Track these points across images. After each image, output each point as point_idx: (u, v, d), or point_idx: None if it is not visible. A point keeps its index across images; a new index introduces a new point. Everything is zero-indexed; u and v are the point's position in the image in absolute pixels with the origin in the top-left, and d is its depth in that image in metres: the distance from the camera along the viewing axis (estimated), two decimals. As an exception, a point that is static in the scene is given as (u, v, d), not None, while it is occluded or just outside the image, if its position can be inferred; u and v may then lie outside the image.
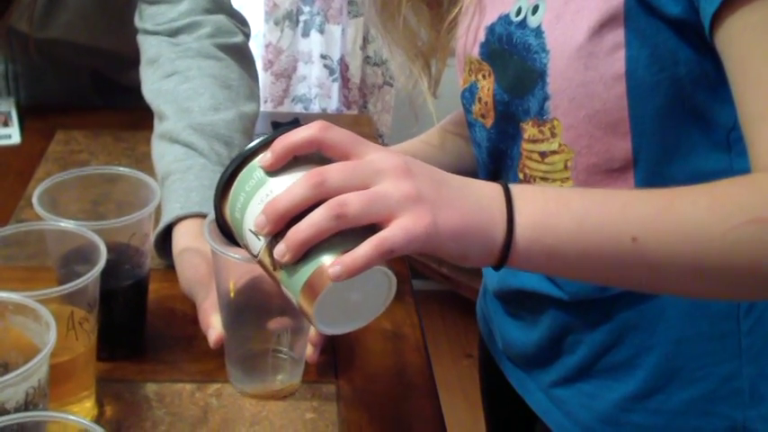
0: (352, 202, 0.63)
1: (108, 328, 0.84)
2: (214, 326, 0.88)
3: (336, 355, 0.94)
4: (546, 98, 0.81)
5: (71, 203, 0.90)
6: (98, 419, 0.83)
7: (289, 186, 0.65)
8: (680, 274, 0.69)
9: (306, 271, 0.64)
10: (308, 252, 0.64)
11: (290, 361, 0.89)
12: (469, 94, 0.91)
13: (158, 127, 1.11)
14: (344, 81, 2.49)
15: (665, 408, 0.89)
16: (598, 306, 0.89)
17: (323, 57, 2.44)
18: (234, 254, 0.79)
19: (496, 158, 0.91)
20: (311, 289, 0.64)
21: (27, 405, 0.66)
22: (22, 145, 1.30)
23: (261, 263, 0.69)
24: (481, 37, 0.87)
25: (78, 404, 0.80)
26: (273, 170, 0.67)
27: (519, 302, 0.96)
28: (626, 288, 0.82)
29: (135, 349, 0.92)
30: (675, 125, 0.80)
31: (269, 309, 0.87)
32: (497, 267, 0.69)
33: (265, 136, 0.69)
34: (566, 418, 0.94)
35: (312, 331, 0.89)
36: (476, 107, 0.90)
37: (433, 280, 2.67)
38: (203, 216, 0.97)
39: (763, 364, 0.88)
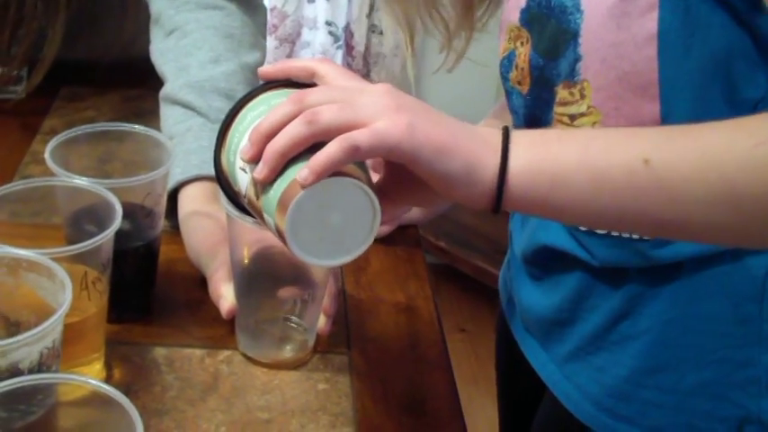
0: (327, 109, 0.63)
1: (117, 290, 0.81)
2: (225, 296, 0.86)
3: (348, 326, 0.92)
4: (577, 59, 0.80)
5: (77, 160, 0.87)
6: (107, 382, 0.81)
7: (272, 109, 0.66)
8: (705, 204, 0.63)
9: (279, 186, 0.64)
10: (283, 171, 0.64)
11: (301, 330, 0.87)
12: (508, 62, 0.89)
13: (162, 89, 1.08)
14: (348, 49, 2.46)
15: (677, 387, 0.87)
16: (624, 272, 0.87)
17: (328, 23, 2.41)
18: (249, 219, 0.77)
19: (532, 125, 0.89)
20: (284, 204, 0.63)
21: (41, 366, 0.64)
22: (25, 100, 1.27)
23: (248, 200, 0.69)
24: (522, 3, 0.85)
25: (88, 366, 0.78)
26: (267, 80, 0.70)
27: (545, 264, 0.94)
28: (645, 229, 0.72)
29: (143, 312, 0.90)
30: (705, 92, 0.78)
31: (281, 277, 0.85)
32: (493, 207, 0.65)
33: (263, 83, 0.71)
34: (576, 392, 0.93)
35: (325, 301, 0.87)
36: (513, 74, 0.88)
37: (431, 253, 2.65)
38: (204, 178, 0.95)
39: None
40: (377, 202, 0.65)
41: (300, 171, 0.62)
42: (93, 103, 1.27)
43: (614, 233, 0.84)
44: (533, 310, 0.97)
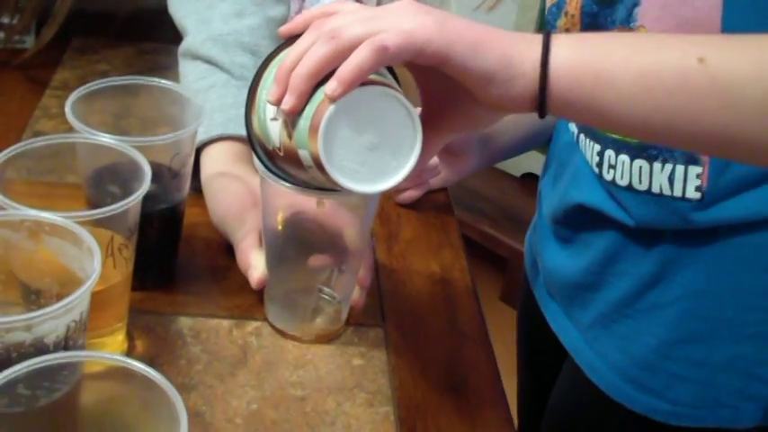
0: (350, 24, 0.60)
1: (140, 256, 0.76)
2: (255, 265, 0.80)
3: (382, 298, 0.87)
4: (636, 4, 0.74)
5: (92, 116, 0.81)
6: (129, 354, 0.76)
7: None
8: (762, 110, 0.58)
9: (309, 112, 0.60)
10: (312, 98, 0.60)
11: (335, 302, 0.82)
12: (556, 9, 0.83)
13: (182, 44, 1.02)
14: None
15: (706, 361, 0.84)
16: (655, 233, 0.83)
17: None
18: (285, 183, 0.72)
19: None
20: (315, 126, 0.59)
21: (67, 340, 0.59)
22: (35, 51, 1.21)
23: (282, 148, 0.65)
24: None
25: (111, 336, 0.73)
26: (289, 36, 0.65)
27: (575, 224, 0.90)
28: (696, 138, 0.62)
29: (166, 279, 0.85)
30: None
31: (315, 245, 0.80)
32: (536, 104, 0.60)
33: (287, 39, 0.66)
34: (599, 360, 0.89)
35: (361, 272, 0.82)
36: (561, 22, 0.82)
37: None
38: (229, 138, 0.90)
39: None
40: (415, 113, 0.61)
41: (328, 84, 0.58)
42: (106, 56, 1.21)
43: (655, 190, 0.80)
44: (558, 274, 0.93)
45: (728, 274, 0.81)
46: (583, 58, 0.60)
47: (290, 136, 0.63)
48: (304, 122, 0.61)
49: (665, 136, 0.61)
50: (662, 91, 0.59)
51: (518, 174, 2.64)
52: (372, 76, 0.61)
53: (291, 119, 0.62)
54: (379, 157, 0.61)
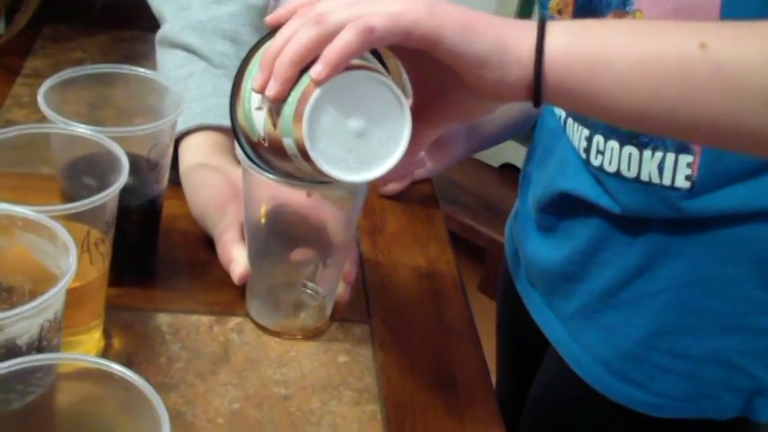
0: (336, 9, 0.57)
1: (117, 250, 0.73)
2: (237, 260, 0.78)
3: (367, 293, 0.85)
4: None
5: (66, 105, 0.78)
6: (105, 352, 0.73)
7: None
8: (766, 100, 0.56)
9: (294, 98, 0.58)
10: (297, 84, 0.58)
11: (319, 297, 0.79)
12: None
13: (159, 31, 0.99)
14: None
15: (690, 352, 0.83)
16: (641, 223, 0.81)
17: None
18: (269, 174, 0.69)
19: None
20: (299, 111, 0.57)
21: (41, 341, 0.56)
22: (7, 38, 1.17)
23: (267, 137, 0.62)
24: None
25: (87, 334, 0.71)
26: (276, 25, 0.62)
27: (560, 212, 0.88)
28: (697, 128, 0.59)
29: (145, 274, 0.82)
30: None
31: (299, 239, 0.78)
32: (531, 93, 0.58)
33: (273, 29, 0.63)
34: (582, 351, 0.89)
35: (346, 267, 0.79)
36: (553, 2, 0.80)
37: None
38: (208, 128, 0.87)
39: None
40: (404, 99, 0.59)
41: (314, 67, 0.56)
42: (80, 43, 1.17)
43: (644, 178, 0.78)
44: (540, 264, 0.92)
45: (714, 266, 0.80)
46: (580, 44, 0.57)
47: (274, 125, 0.61)
48: (289, 109, 0.58)
49: (666, 126, 0.59)
50: (662, 78, 0.56)
51: (496, 164, 2.62)
52: (360, 62, 0.59)
53: (276, 106, 0.60)
54: (367, 145, 0.59)
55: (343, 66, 0.56)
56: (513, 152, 2.48)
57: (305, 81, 0.58)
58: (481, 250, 2.47)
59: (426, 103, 0.63)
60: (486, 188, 2.58)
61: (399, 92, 0.58)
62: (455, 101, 0.61)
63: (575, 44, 0.57)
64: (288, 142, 0.59)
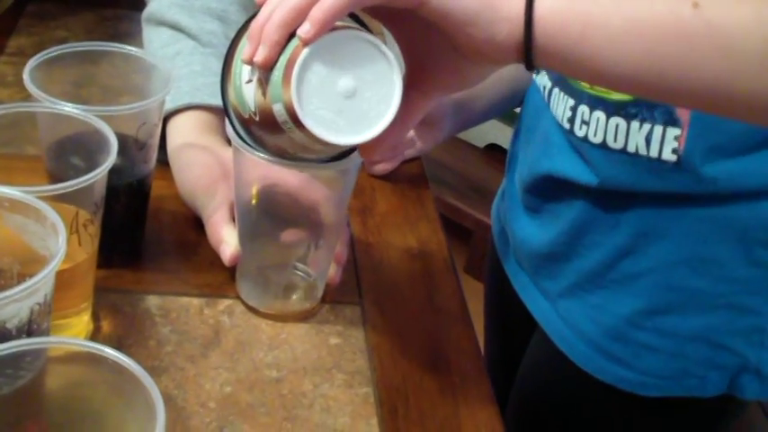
0: None
1: (106, 232, 0.72)
2: (228, 241, 0.77)
3: (358, 274, 0.84)
4: None
5: (51, 84, 0.76)
6: (95, 335, 0.72)
7: None
8: (760, 61, 0.54)
9: (282, 62, 0.57)
10: (285, 49, 0.57)
11: (310, 279, 0.78)
12: None
13: (146, 9, 0.97)
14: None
15: (676, 331, 0.84)
16: (626, 201, 0.81)
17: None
18: (260, 154, 0.68)
19: None
20: (288, 73, 0.56)
21: (30, 324, 0.55)
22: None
23: (258, 109, 0.61)
24: None
25: (76, 317, 0.69)
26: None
27: (546, 193, 0.88)
28: (688, 90, 0.57)
29: (133, 256, 0.81)
30: None
31: (290, 219, 0.77)
32: (521, 53, 0.56)
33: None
34: (569, 330, 0.89)
35: (337, 248, 0.79)
36: None
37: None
38: (197, 107, 0.86)
39: None
40: (393, 59, 0.58)
41: (301, 27, 0.55)
42: (65, 22, 1.16)
43: (630, 149, 0.78)
44: (527, 244, 0.92)
45: (700, 246, 0.81)
46: (571, 2, 0.56)
47: (264, 94, 0.60)
48: (277, 73, 0.58)
49: (659, 88, 0.58)
50: (654, 37, 0.55)
51: (482, 145, 2.61)
52: (348, 23, 0.58)
53: (265, 75, 0.59)
54: (357, 106, 0.58)
55: (331, 24, 0.56)
56: (498, 132, 2.47)
57: (293, 44, 0.57)
58: (467, 231, 2.47)
59: (418, 72, 0.61)
60: (472, 169, 2.57)
61: (388, 52, 0.58)
62: (447, 67, 0.60)
63: (565, 2, 0.56)
64: (278, 108, 0.58)
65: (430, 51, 0.60)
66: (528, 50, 0.56)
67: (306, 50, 0.55)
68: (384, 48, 0.58)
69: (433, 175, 2.69)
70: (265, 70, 0.58)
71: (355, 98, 0.57)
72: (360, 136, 0.58)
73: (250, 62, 0.58)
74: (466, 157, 2.60)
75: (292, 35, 0.57)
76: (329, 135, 0.57)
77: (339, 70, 0.57)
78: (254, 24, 0.59)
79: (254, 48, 0.58)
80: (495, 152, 2.53)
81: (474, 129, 2.72)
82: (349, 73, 0.57)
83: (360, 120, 0.58)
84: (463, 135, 2.63)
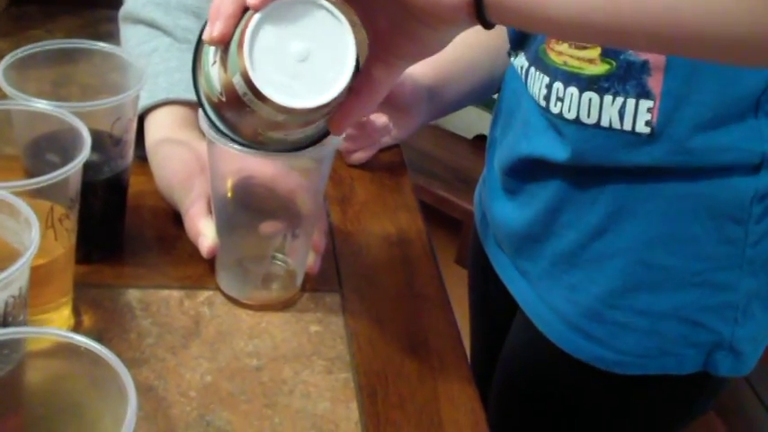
0: None
1: (84, 227, 0.72)
2: (205, 233, 0.78)
3: (338, 262, 0.85)
4: None
5: (27, 83, 0.77)
6: (76, 330, 0.73)
7: None
8: None
9: (237, 32, 0.58)
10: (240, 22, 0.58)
11: (289, 268, 0.79)
12: None
13: (122, 8, 0.98)
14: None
15: (650, 309, 0.85)
16: (600, 179, 0.83)
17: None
18: (234, 145, 0.69)
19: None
20: (241, 41, 0.57)
21: (6, 317, 0.56)
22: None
23: (223, 88, 0.62)
24: None
25: (56, 312, 0.70)
26: None
27: (523, 175, 0.90)
28: (642, 33, 0.52)
29: (113, 250, 0.81)
30: None
31: (267, 210, 0.78)
32: (475, 11, 0.55)
33: None
34: (548, 311, 0.90)
35: (315, 236, 0.79)
36: None
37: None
38: (174, 102, 0.87)
39: (762, 283, 0.84)
40: (345, 21, 0.59)
41: None
42: (43, 23, 1.16)
43: (604, 123, 0.79)
44: (506, 226, 0.94)
45: (673, 224, 0.82)
46: None
47: (225, 69, 0.61)
48: (233, 45, 0.59)
49: (614, 29, 0.52)
50: None
51: (470, 136, 2.62)
52: None
53: (224, 48, 0.60)
54: (311, 69, 0.59)
55: None
56: (486, 123, 2.45)
57: (247, 16, 0.58)
58: (457, 222, 2.48)
59: (380, 43, 0.62)
60: (461, 160, 2.58)
61: (339, 13, 0.58)
62: (407, 35, 0.60)
63: None
64: (237, 80, 0.59)
65: (387, 20, 0.60)
66: (479, 4, 0.55)
67: (257, 15, 0.57)
68: (336, 11, 0.58)
69: (422, 166, 2.70)
70: (224, 45, 0.59)
71: (309, 61, 0.58)
72: (317, 99, 0.59)
73: (211, 41, 0.59)
74: (454, 149, 2.61)
75: (248, 9, 0.58)
76: (285, 99, 0.58)
77: (291, 34, 0.58)
78: (213, 6, 0.60)
79: (212, 26, 0.59)
80: (483, 143, 2.52)
81: (462, 120, 2.73)
82: (301, 36, 0.58)
83: (315, 83, 0.59)
84: (452, 126, 2.64)
